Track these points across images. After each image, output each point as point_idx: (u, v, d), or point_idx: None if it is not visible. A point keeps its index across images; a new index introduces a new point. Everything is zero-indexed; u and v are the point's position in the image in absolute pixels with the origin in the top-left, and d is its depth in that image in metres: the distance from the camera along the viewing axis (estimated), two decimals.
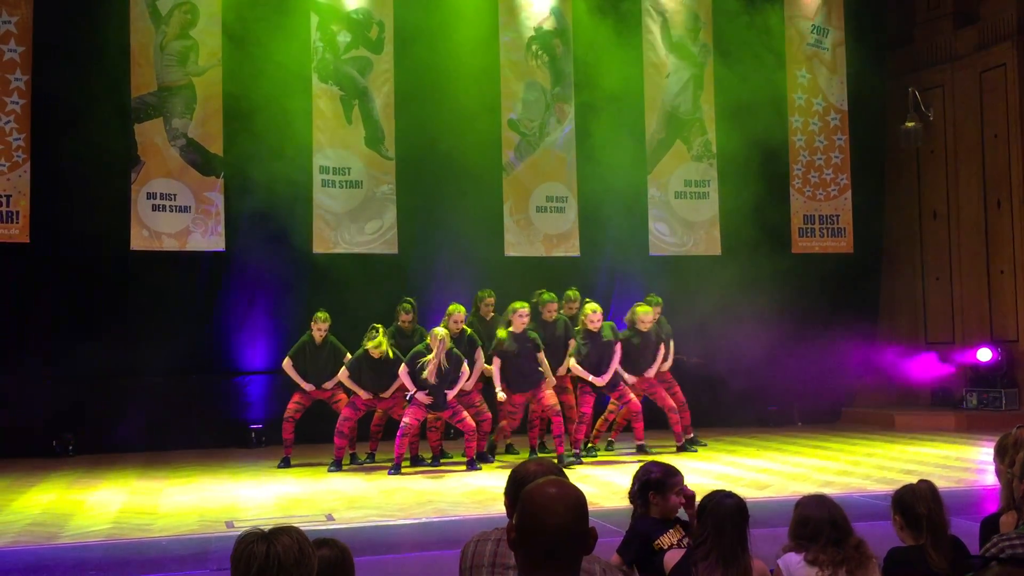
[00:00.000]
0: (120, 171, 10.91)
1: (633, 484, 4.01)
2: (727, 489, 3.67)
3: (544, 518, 2.11)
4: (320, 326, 9.52)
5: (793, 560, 3.61)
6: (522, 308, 9.18)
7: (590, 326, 9.30)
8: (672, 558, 3.59)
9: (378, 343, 9.03)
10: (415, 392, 8.70)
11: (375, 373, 9.16)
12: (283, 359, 9.73)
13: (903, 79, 13.44)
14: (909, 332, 13.49)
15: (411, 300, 9.91)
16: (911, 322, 13.62)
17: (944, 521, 3.66)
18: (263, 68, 11.14)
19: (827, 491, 7.18)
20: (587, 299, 10.02)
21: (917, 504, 3.68)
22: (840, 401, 13.25)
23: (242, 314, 11.43)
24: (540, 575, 2.12)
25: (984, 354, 12.15)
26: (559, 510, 2.11)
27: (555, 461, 6.52)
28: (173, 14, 11.18)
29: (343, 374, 9.21)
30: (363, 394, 9.17)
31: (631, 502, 4.00)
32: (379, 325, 9.29)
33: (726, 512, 3.51)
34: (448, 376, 8.71)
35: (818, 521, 3.65)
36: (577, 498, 2.16)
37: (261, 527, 2.39)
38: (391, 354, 9.12)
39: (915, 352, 13.13)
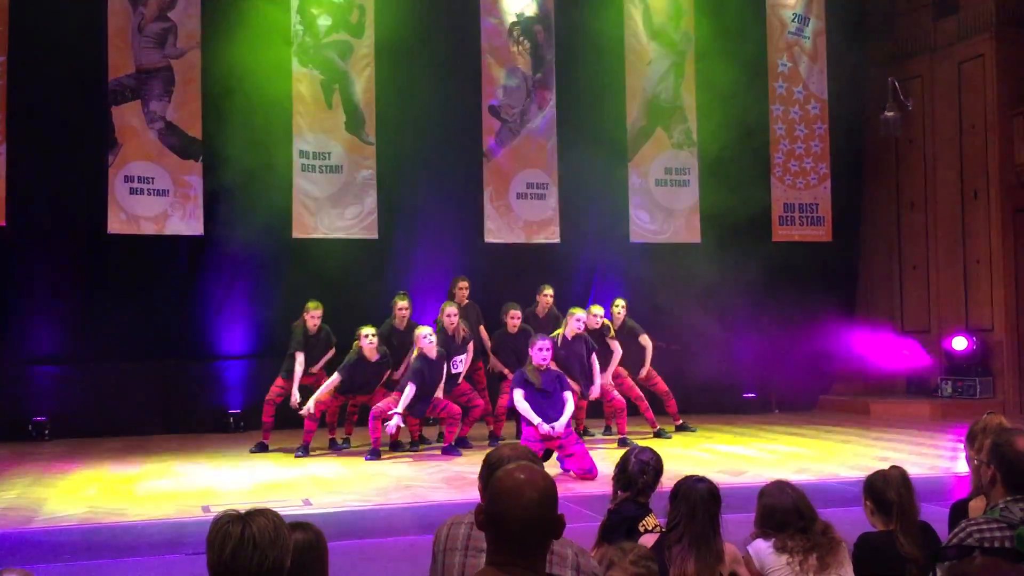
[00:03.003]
0: (97, 154, 10.81)
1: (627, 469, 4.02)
2: (700, 474, 3.71)
3: (511, 503, 2.12)
4: (313, 314, 9.48)
5: (763, 546, 3.65)
6: (579, 313, 9.13)
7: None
8: (647, 543, 3.61)
9: (368, 333, 8.99)
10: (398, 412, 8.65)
11: (365, 377, 9.14)
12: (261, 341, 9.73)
13: (883, 69, 13.48)
14: (886, 321, 13.60)
15: (405, 293, 9.89)
16: (888, 311, 13.72)
17: (914, 507, 3.70)
18: (243, 51, 11.06)
19: (802, 477, 7.31)
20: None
21: (887, 490, 3.72)
22: (817, 389, 13.36)
23: (220, 299, 11.37)
24: (506, 558, 2.14)
25: (959, 343, 12.27)
26: (526, 496, 2.13)
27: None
28: None
29: (334, 380, 9.06)
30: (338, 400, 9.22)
31: (615, 486, 4.02)
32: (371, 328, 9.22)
33: (698, 496, 3.54)
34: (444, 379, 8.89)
35: (784, 510, 3.68)
36: (545, 485, 2.17)
37: (237, 509, 2.38)
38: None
39: (891, 341, 13.24)
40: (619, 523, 3.87)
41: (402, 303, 9.60)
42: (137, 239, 10.93)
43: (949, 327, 12.75)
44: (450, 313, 9.19)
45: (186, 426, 10.93)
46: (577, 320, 9.02)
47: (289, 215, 11.43)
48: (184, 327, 11.24)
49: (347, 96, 11.77)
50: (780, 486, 3.72)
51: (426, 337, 8.67)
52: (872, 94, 13.53)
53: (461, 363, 9.17)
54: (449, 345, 9.05)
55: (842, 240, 13.48)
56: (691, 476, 3.68)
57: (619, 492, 3.99)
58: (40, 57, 10.64)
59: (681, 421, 10.60)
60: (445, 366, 8.87)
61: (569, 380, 8.22)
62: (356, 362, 8.99)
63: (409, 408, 8.69)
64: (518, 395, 7.67)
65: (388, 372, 9.25)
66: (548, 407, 7.60)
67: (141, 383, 10.97)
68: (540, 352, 7.73)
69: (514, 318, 9.52)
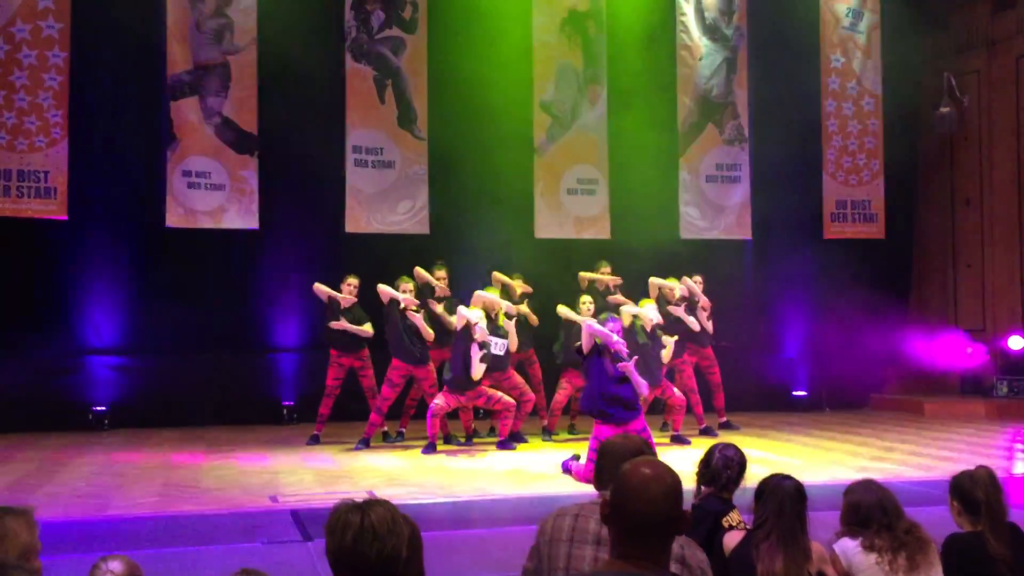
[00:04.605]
0: (156, 149, 10.99)
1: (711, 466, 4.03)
2: (784, 472, 3.72)
3: (637, 498, 2.16)
4: (351, 282, 9.57)
5: (850, 545, 3.65)
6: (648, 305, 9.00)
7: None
8: (732, 539, 3.63)
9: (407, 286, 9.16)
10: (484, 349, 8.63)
11: (409, 336, 9.20)
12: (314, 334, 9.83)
13: (938, 64, 13.34)
14: (939, 319, 13.44)
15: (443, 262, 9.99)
16: (941, 309, 13.56)
17: (1003, 507, 3.69)
18: (297, 47, 11.14)
19: (863, 476, 7.25)
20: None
21: (975, 489, 3.71)
22: (868, 388, 13.23)
23: (275, 292, 11.51)
24: (630, 551, 2.17)
25: (1016, 342, 12.10)
26: (653, 491, 2.16)
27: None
28: None
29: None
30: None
31: (698, 482, 4.04)
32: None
33: (785, 494, 3.55)
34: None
35: (869, 506, 3.68)
36: (671, 481, 2.20)
37: (354, 499, 2.44)
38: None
39: (945, 339, 13.08)
40: (703, 518, 3.88)
41: (440, 272, 9.72)
42: (194, 232, 11.09)
43: (1004, 326, 12.58)
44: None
45: (240, 417, 11.07)
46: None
47: (342, 210, 11.52)
48: (239, 319, 11.40)
49: (399, 92, 11.84)
50: (866, 484, 3.72)
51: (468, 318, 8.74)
52: (927, 90, 13.38)
53: (501, 347, 9.10)
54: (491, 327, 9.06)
55: (895, 237, 13.33)
56: (776, 474, 3.69)
57: (702, 487, 4.01)
58: (101, 54, 10.82)
59: (726, 419, 10.55)
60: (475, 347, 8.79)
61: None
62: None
63: (453, 386, 8.77)
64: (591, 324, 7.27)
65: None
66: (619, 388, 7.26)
67: (197, 374, 11.14)
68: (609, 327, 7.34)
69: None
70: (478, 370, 8.65)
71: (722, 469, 3.99)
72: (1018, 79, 12.66)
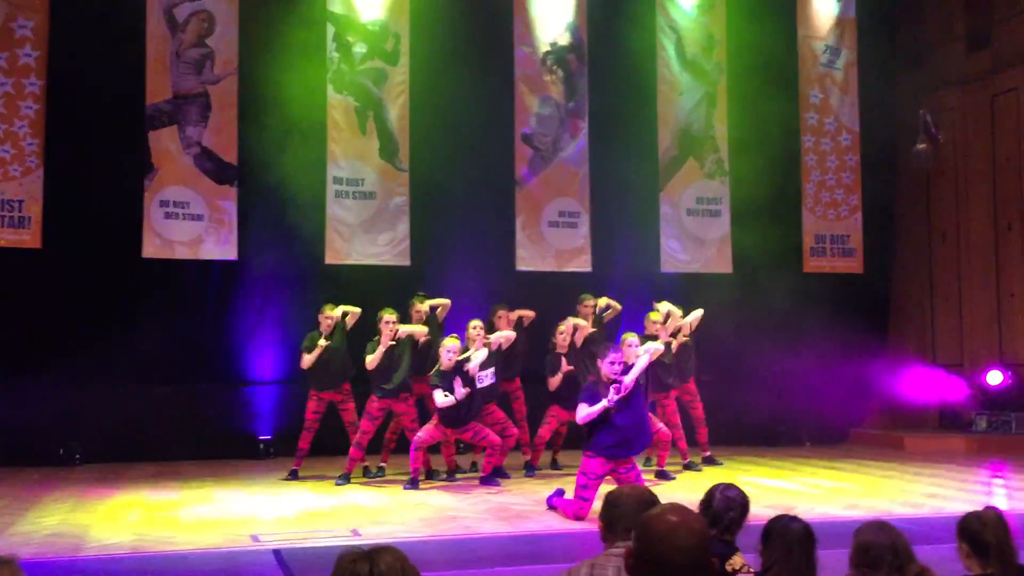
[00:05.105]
0: (133, 178, 10.84)
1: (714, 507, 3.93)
2: (791, 513, 3.64)
3: (666, 547, 2.07)
4: (329, 314, 9.45)
5: None
6: (632, 338, 8.45)
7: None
8: None
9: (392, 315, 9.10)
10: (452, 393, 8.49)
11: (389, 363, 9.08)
12: (293, 367, 9.72)
13: (915, 101, 13.49)
14: (917, 354, 13.49)
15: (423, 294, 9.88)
16: (919, 344, 13.62)
17: (1013, 549, 3.62)
18: (278, 78, 11.13)
19: (854, 513, 7.19)
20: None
21: (984, 532, 3.63)
22: (848, 422, 13.23)
23: (252, 324, 11.35)
24: None
25: (994, 377, 12.16)
26: (682, 539, 2.07)
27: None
28: (190, 22, 11.14)
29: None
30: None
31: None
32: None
33: (794, 536, 3.47)
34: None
35: (880, 548, 3.60)
36: (700, 528, 2.11)
37: (360, 546, 2.34)
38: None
39: (923, 374, 13.13)
40: None
41: (420, 305, 9.62)
42: (171, 263, 10.94)
43: (982, 361, 12.64)
44: (475, 325, 9.06)
45: (216, 452, 10.85)
46: (630, 346, 8.70)
47: (322, 241, 11.42)
48: (216, 352, 11.22)
49: (381, 123, 11.80)
50: (880, 525, 3.64)
51: (445, 348, 8.61)
52: (904, 126, 13.52)
53: (487, 378, 8.99)
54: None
55: (873, 272, 13.42)
56: (783, 515, 3.61)
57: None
58: (79, 82, 10.66)
59: (709, 453, 10.50)
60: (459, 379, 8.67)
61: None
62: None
63: (445, 419, 8.60)
64: (581, 410, 7.18)
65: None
66: (620, 418, 7.17)
67: (172, 408, 10.92)
68: (612, 366, 7.22)
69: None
70: (441, 400, 8.47)
71: (724, 511, 3.90)
72: (993, 117, 12.83)
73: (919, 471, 9.94)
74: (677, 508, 2.16)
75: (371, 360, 8.98)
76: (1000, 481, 9.61)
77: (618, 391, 7.06)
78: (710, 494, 3.99)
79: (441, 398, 8.45)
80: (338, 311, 9.57)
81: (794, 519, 3.56)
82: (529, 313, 10.10)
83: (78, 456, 10.42)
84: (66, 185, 10.64)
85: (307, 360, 9.36)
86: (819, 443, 12.60)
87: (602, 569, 2.72)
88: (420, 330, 9.37)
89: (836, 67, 13.46)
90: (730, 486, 4.01)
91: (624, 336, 8.71)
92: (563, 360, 9.42)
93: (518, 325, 9.96)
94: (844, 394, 12.88)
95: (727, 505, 3.91)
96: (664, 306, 9.90)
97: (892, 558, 3.57)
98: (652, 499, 3.10)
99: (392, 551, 2.33)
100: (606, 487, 7.35)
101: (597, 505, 7.02)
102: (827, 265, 13.20)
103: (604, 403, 7.07)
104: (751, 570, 3.68)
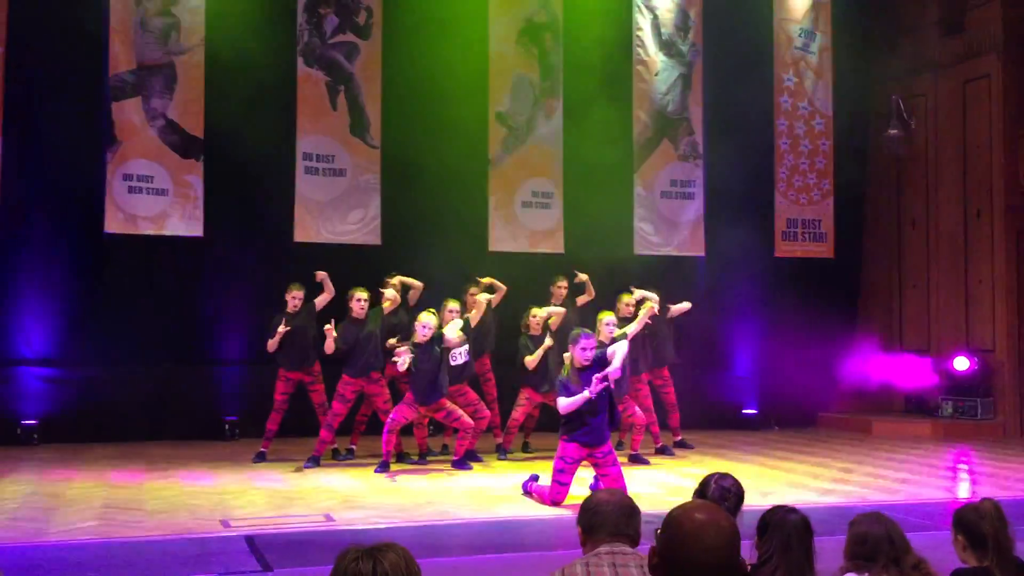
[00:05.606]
0: (96, 150, 10.50)
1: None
2: (788, 504, 3.56)
3: (695, 547, 1.95)
4: (295, 293, 9.25)
5: None
6: (608, 317, 8.58)
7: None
8: None
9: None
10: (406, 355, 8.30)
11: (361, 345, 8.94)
12: (259, 347, 9.51)
13: (887, 86, 13.51)
14: (885, 339, 13.57)
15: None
16: (887, 329, 13.70)
17: (1010, 541, 3.57)
18: (247, 49, 10.78)
19: (829, 499, 7.18)
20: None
21: (982, 523, 3.58)
22: (816, 406, 13.28)
23: (219, 302, 11.09)
24: None
25: (961, 363, 12.24)
26: (710, 539, 1.96)
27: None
28: None
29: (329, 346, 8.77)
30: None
31: None
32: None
33: (792, 528, 3.38)
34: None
35: (876, 538, 3.54)
36: (729, 526, 2.00)
37: (362, 543, 2.20)
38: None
39: (891, 359, 13.21)
40: None
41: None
42: (135, 239, 10.63)
43: (949, 347, 12.73)
44: (609, 323, 8.57)
45: (181, 433, 10.61)
46: (607, 325, 8.59)
47: (291, 218, 11.17)
48: (181, 330, 10.95)
49: (352, 98, 11.54)
50: (876, 515, 3.58)
51: (420, 323, 8.47)
52: (877, 111, 13.53)
53: (460, 356, 8.90)
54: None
55: (844, 257, 13.45)
56: (780, 506, 3.52)
57: None
58: (40, 50, 10.33)
59: (680, 437, 10.48)
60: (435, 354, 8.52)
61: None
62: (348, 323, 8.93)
63: (417, 395, 8.45)
64: (561, 401, 7.08)
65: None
66: (589, 413, 7.07)
67: (135, 387, 10.65)
68: (584, 352, 7.12)
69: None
70: (401, 361, 8.29)
71: (719, 501, 3.80)
72: (965, 103, 12.87)
73: (890, 456, 9.99)
74: (704, 506, 2.06)
75: (329, 347, 8.75)
76: (963, 466, 9.69)
77: (601, 381, 6.93)
78: (705, 483, 3.89)
79: (403, 362, 8.25)
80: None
81: (792, 510, 3.47)
82: (500, 287, 9.93)
83: (35, 436, 10.12)
84: (26, 158, 10.28)
85: (271, 344, 9.17)
86: (788, 427, 12.65)
87: (597, 568, 2.61)
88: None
89: (811, 51, 13.42)
90: (725, 475, 3.92)
91: (600, 315, 8.66)
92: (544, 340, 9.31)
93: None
94: (813, 378, 12.91)
95: (722, 495, 3.81)
96: (639, 293, 9.77)
97: (889, 549, 3.51)
98: (632, 504, 3.03)
99: (396, 548, 2.20)
100: (583, 476, 7.29)
101: (574, 491, 6.96)
102: (799, 249, 13.20)
103: (586, 393, 6.96)
104: (747, 562, 3.59)
